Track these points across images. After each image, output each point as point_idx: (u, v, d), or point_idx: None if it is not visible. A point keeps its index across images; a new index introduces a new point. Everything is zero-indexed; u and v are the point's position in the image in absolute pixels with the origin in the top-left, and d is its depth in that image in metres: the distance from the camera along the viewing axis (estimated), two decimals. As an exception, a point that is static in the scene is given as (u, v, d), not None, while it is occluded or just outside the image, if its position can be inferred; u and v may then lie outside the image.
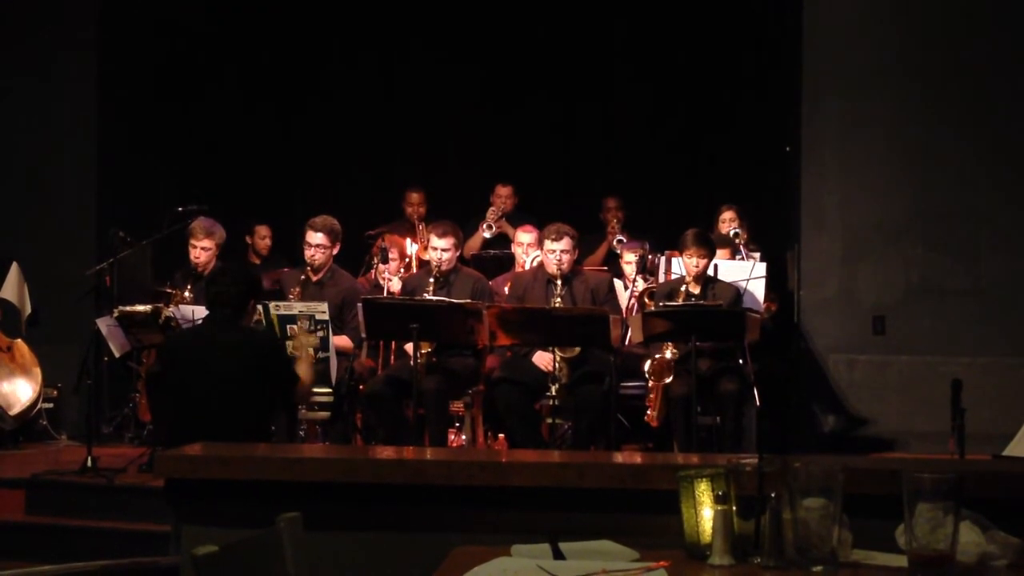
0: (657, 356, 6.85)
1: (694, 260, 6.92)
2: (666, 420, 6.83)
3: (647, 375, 6.88)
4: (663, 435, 6.95)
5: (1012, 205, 8.31)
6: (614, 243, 8.78)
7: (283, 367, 5.45)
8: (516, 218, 8.93)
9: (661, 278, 7.61)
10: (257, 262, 9.42)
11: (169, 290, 7.56)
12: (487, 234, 8.93)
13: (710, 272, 7.20)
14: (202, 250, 7.42)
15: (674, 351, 6.83)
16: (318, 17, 10.25)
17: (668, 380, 6.78)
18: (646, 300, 7.19)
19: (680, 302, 6.83)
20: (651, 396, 6.88)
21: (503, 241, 8.90)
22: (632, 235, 8.67)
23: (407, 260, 8.30)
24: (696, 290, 6.95)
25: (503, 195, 9.20)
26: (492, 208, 9.06)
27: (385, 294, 7.56)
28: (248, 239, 9.61)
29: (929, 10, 8.42)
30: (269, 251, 9.64)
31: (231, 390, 5.16)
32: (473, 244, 8.91)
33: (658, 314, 6.62)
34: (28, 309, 8.47)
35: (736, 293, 7.06)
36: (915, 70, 8.39)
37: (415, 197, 9.29)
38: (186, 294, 7.28)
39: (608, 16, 9.98)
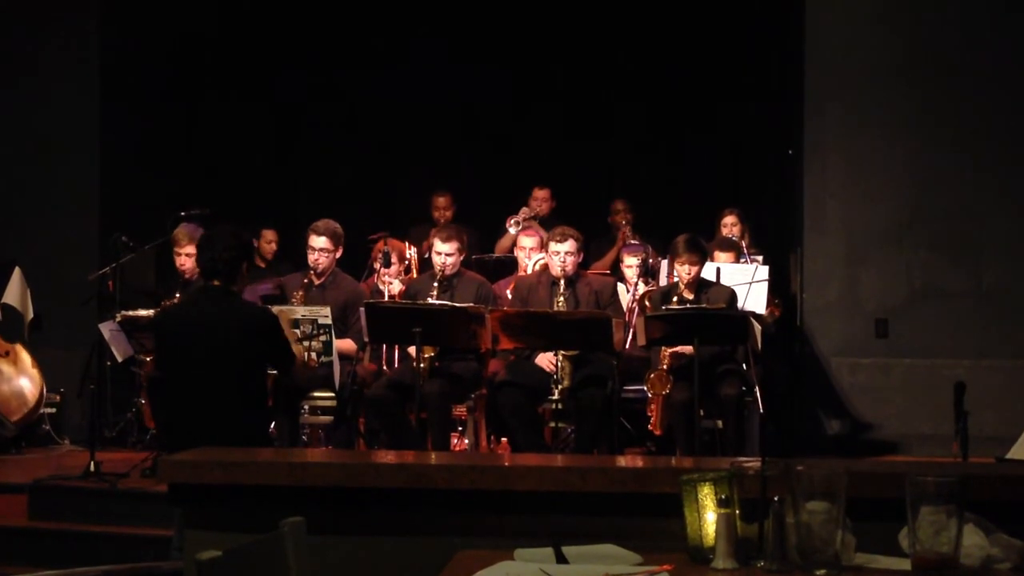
0: (657, 369, 6.84)
1: (686, 267, 6.88)
2: (669, 424, 6.83)
3: (646, 388, 6.87)
4: (666, 439, 6.95)
5: (1014, 207, 8.32)
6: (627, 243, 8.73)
7: (278, 345, 5.21)
8: (552, 223, 8.80)
9: (663, 281, 7.60)
10: (262, 266, 9.42)
11: (160, 294, 7.58)
12: (512, 230, 8.87)
13: (712, 276, 7.20)
14: (187, 256, 7.41)
15: (672, 361, 6.82)
16: (324, 19, 10.25)
17: (667, 391, 6.77)
18: (646, 303, 7.19)
19: (673, 307, 6.81)
20: (652, 406, 6.87)
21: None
22: (639, 238, 8.64)
23: (407, 263, 8.29)
24: (690, 296, 6.92)
25: (540, 198, 9.17)
26: (525, 208, 9.02)
27: (386, 297, 7.56)
28: (254, 243, 9.59)
29: (930, 13, 8.42)
30: (274, 255, 9.64)
31: (225, 367, 4.96)
32: (504, 244, 8.90)
33: (661, 318, 6.61)
34: (30, 314, 8.45)
35: (731, 295, 7.03)
36: (917, 73, 8.39)
37: (442, 201, 9.30)
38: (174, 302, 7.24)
39: (611, 18, 9.98)
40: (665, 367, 6.84)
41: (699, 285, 6.97)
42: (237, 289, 5.22)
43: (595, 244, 9.04)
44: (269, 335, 5.16)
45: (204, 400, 4.98)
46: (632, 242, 8.60)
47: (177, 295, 7.30)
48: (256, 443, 4.87)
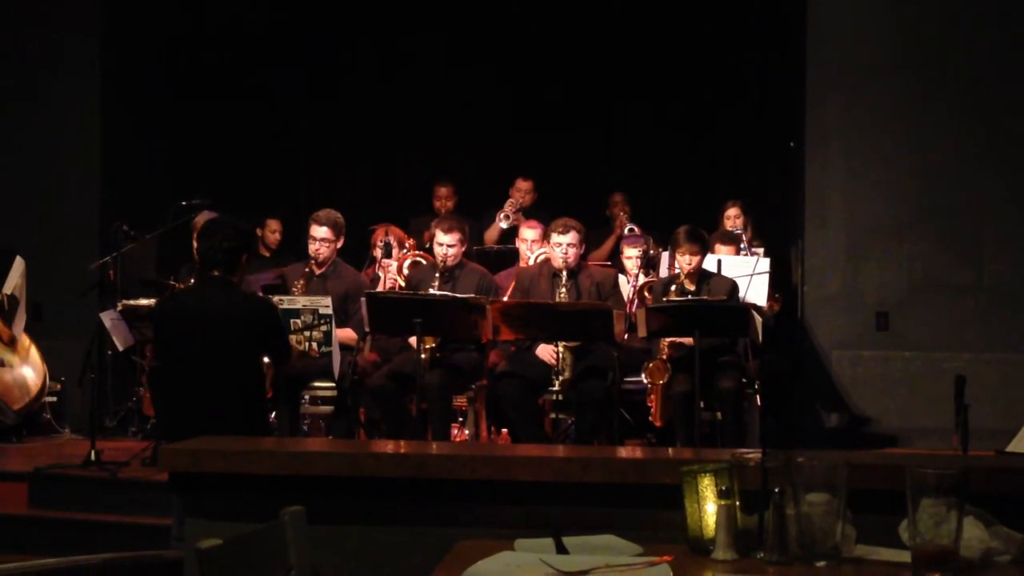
0: (656, 359, 6.85)
1: (686, 257, 6.89)
2: (669, 415, 6.83)
3: (644, 378, 6.87)
4: (666, 430, 6.96)
5: (1016, 201, 8.31)
6: (624, 233, 8.75)
7: (277, 336, 5.24)
8: (534, 214, 8.84)
9: (664, 272, 7.61)
10: (266, 255, 9.43)
11: (173, 283, 7.56)
12: (503, 224, 8.88)
13: (713, 268, 7.20)
14: None
15: (671, 351, 6.83)
16: (325, 10, 10.24)
17: (665, 381, 6.78)
18: (646, 294, 7.19)
19: (674, 298, 6.81)
20: (651, 396, 6.88)
21: (515, 235, 8.86)
22: (638, 229, 8.65)
23: (405, 249, 8.28)
24: (691, 287, 6.93)
25: (523, 189, 9.18)
26: (511, 200, 9.03)
27: (386, 286, 7.55)
28: (258, 232, 9.60)
29: (933, 6, 8.41)
30: (279, 245, 9.64)
31: (224, 355, 4.95)
32: (491, 235, 8.90)
33: (661, 309, 6.61)
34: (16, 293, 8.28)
35: (732, 286, 7.04)
36: (919, 66, 8.39)
37: (443, 191, 9.28)
38: (188, 288, 7.24)
39: (613, 10, 9.96)
40: (664, 357, 6.84)
41: (700, 276, 6.98)
42: (236, 280, 5.20)
43: (593, 235, 9.04)
44: (268, 325, 5.16)
45: (203, 390, 4.97)
46: (632, 233, 8.60)
47: (192, 280, 7.28)
48: (255, 433, 4.85)
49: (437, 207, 9.23)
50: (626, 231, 8.70)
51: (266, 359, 5.48)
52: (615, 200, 9.31)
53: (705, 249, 7.02)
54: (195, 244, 7.45)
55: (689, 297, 6.82)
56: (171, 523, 5.22)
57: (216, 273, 5.10)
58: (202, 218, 7.50)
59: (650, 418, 6.95)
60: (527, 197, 9.17)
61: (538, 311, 6.64)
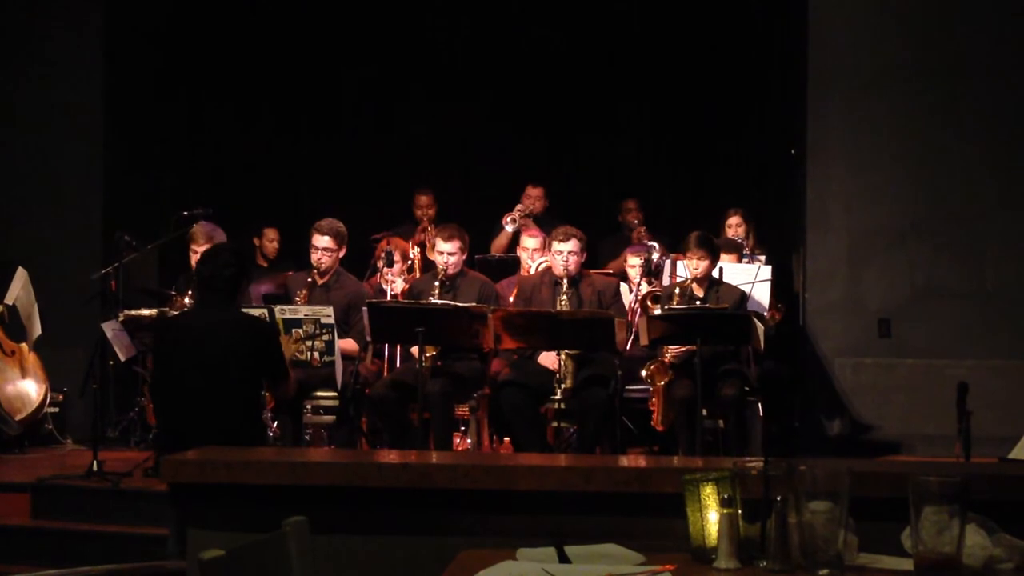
0: (657, 361, 6.85)
1: (695, 262, 6.92)
2: (671, 420, 6.83)
3: (646, 379, 6.87)
4: (669, 438, 6.95)
5: (1018, 208, 8.31)
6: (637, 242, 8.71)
7: (276, 359, 5.32)
8: (546, 221, 8.80)
9: (666, 281, 7.61)
10: (264, 265, 9.42)
11: (172, 292, 7.56)
12: (509, 228, 8.85)
13: (715, 275, 7.20)
14: None
15: (673, 355, 6.84)
16: (324, 19, 10.25)
17: (666, 381, 6.78)
18: (649, 303, 7.19)
19: (678, 304, 6.81)
20: (653, 400, 6.88)
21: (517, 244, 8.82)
22: (651, 236, 8.63)
23: (410, 263, 8.29)
24: (700, 293, 6.95)
25: (533, 196, 9.14)
26: (520, 205, 8.99)
27: (389, 297, 7.56)
28: (256, 241, 9.61)
29: (934, 12, 8.42)
30: (277, 254, 9.64)
31: (223, 375, 5.04)
32: (499, 243, 8.88)
33: (663, 317, 6.61)
34: (37, 329, 8.30)
35: (741, 296, 7.06)
36: (920, 73, 8.39)
37: (424, 199, 9.27)
38: (186, 300, 7.20)
39: (614, 17, 9.97)
40: (666, 359, 6.84)
41: (710, 282, 7.01)
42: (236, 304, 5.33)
43: (605, 244, 9.02)
44: (265, 345, 5.26)
45: (203, 409, 5.01)
46: (653, 244, 8.57)
47: (190, 292, 7.27)
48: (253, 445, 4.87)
49: (418, 215, 9.21)
50: (647, 243, 8.62)
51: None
52: (628, 207, 9.29)
53: (714, 255, 7.04)
54: (192, 255, 7.50)
55: (697, 304, 6.84)
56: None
57: (216, 297, 5.21)
58: (199, 228, 7.50)
59: (652, 423, 6.94)
60: (537, 204, 9.14)
61: (539, 320, 6.64)
